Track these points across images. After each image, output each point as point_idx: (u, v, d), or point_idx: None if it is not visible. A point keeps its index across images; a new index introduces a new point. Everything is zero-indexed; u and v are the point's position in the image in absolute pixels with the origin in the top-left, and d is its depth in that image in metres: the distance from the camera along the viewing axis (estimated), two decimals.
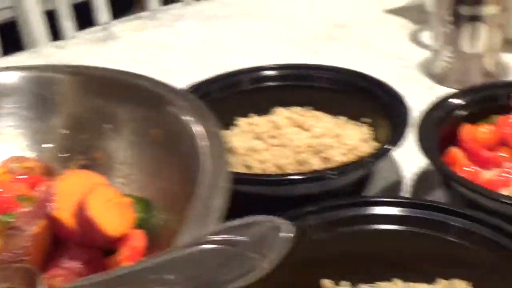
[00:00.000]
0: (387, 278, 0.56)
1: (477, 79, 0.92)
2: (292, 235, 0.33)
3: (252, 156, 0.70)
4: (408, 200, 0.62)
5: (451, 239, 0.55)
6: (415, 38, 1.14)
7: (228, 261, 0.32)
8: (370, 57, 1.08)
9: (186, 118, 0.55)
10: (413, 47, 1.11)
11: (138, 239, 0.54)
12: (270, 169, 0.68)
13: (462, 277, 0.54)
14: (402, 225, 0.57)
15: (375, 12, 1.28)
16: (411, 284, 0.55)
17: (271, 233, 0.33)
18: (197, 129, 0.53)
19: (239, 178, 0.64)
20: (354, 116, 0.77)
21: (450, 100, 0.72)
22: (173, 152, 0.56)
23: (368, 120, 0.75)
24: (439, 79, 0.96)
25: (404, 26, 1.20)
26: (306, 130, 0.73)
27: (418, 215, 0.57)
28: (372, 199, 0.59)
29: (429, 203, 0.58)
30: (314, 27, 1.22)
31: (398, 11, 1.26)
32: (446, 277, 0.54)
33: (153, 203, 0.58)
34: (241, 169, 0.69)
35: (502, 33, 0.92)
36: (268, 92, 0.81)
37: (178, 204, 0.51)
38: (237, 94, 0.80)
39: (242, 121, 0.77)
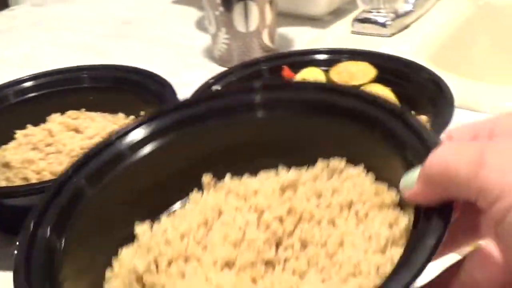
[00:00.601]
0: (271, 166, 0.53)
1: (257, 56, 0.93)
2: None
3: (28, 167, 0.68)
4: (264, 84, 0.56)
5: (319, 117, 0.52)
6: (200, 25, 1.15)
7: None
8: (158, 50, 1.08)
9: None
10: (199, 34, 1.12)
11: None
12: (47, 177, 0.67)
13: (338, 155, 0.51)
14: (260, 110, 0.54)
15: (162, 4, 1.29)
16: (294, 168, 0.52)
17: None
18: None
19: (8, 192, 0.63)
20: (132, 111, 0.76)
21: (216, 80, 0.74)
22: None
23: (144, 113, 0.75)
24: (222, 61, 0.97)
25: (191, 14, 1.21)
26: (81, 132, 0.72)
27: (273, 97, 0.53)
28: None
29: (279, 84, 0.57)
30: (101, 28, 1.21)
31: (184, 0, 1.27)
32: (325, 157, 0.51)
33: None
34: (18, 182, 0.67)
35: (275, 7, 0.94)
36: (43, 100, 0.79)
37: None
38: (9, 107, 0.78)
39: (19, 134, 0.75)
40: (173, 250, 0.44)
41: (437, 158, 0.34)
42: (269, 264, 0.43)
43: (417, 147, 0.42)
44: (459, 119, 0.69)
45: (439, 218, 0.35)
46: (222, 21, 0.93)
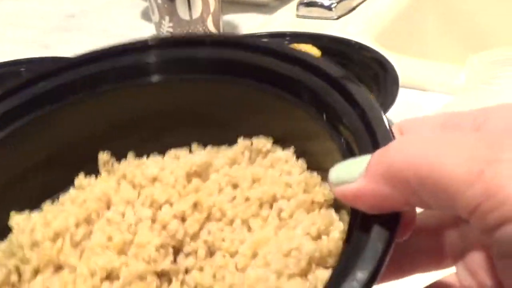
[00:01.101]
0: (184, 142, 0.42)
1: None
2: None
3: None
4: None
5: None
6: (145, 15, 1.13)
7: None
8: (103, 41, 1.05)
9: None
10: (144, 24, 1.11)
11: None
12: None
13: (264, 132, 0.40)
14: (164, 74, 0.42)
15: None
16: (211, 147, 0.41)
17: None
18: None
19: None
20: None
21: None
22: None
23: None
24: None
25: (136, 4, 1.19)
26: None
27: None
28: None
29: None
30: (44, 21, 1.18)
31: None
32: (249, 134, 0.41)
33: None
34: None
35: None
36: None
37: None
38: None
39: None
40: (41, 255, 0.35)
41: (412, 147, 0.25)
42: (163, 276, 0.34)
43: (361, 132, 0.32)
44: (404, 99, 0.69)
45: (380, 234, 0.26)
46: (165, 9, 0.91)
